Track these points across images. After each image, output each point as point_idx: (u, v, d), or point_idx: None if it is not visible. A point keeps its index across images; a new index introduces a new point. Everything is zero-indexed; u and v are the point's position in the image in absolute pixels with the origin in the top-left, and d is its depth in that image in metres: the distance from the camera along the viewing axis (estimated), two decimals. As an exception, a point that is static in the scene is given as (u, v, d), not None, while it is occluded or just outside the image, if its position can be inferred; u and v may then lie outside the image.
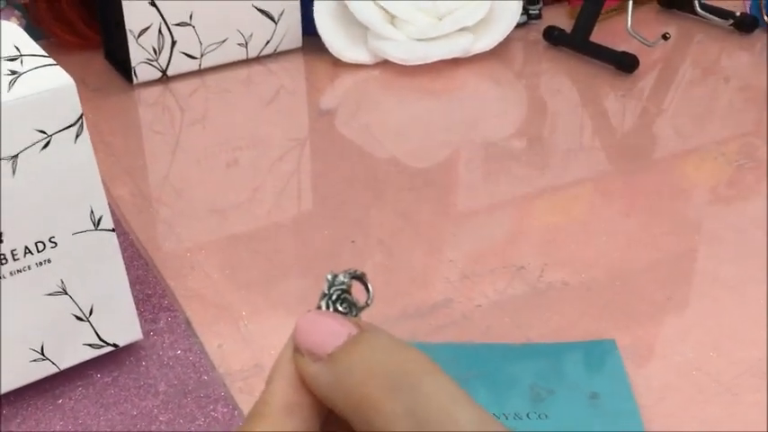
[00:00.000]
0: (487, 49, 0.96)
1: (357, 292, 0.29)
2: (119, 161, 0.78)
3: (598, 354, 0.55)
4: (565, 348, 0.55)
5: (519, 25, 1.00)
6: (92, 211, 0.50)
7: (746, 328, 0.58)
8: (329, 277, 0.29)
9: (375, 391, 0.25)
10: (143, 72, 0.89)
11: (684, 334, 0.58)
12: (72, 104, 0.47)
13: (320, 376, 0.26)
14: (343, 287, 0.28)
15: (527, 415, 0.50)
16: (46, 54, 0.48)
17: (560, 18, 1.04)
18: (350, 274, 0.29)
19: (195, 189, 0.74)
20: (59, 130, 0.47)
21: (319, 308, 0.28)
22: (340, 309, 0.28)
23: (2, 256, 0.47)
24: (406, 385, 0.25)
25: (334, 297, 0.28)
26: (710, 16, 1.03)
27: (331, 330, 0.26)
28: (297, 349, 0.27)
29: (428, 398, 0.24)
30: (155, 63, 0.90)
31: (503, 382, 0.52)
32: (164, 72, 0.91)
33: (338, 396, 0.26)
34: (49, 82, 0.46)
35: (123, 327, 0.54)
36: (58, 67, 0.47)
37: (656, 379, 0.54)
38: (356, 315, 0.29)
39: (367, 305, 0.29)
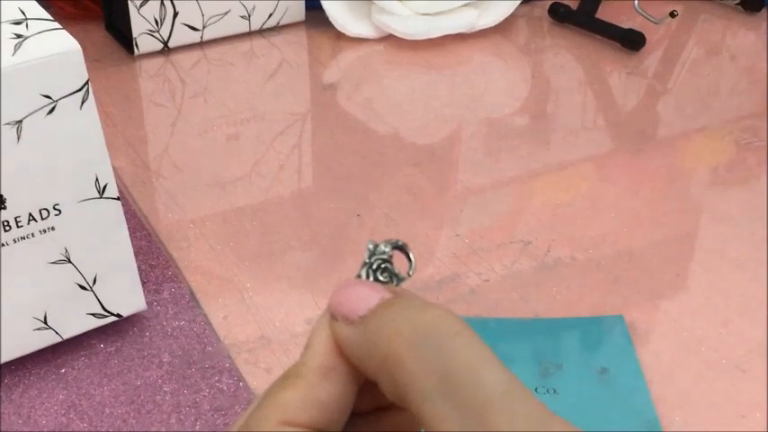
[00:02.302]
0: (492, 25, 0.95)
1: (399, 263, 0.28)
2: (119, 132, 0.77)
3: (606, 329, 0.55)
4: (573, 324, 0.55)
5: (524, 1, 0.99)
6: (97, 179, 0.49)
7: (755, 305, 0.58)
8: (370, 246, 0.28)
9: (400, 348, 0.24)
10: (144, 43, 0.88)
11: (692, 311, 0.57)
12: (78, 70, 0.46)
13: (352, 338, 0.26)
14: (384, 257, 0.28)
15: (536, 389, 0.50)
16: (52, 18, 0.47)
17: (565, -5, 1.03)
18: (391, 243, 0.28)
19: (197, 161, 0.73)
20: (65, 96, 0.46)
21: (359, 276, 0.28)
22: (381, 278, 0.28)
23: (5, 223, 0.47)
24: (433, 343, 0.24)
25: (374, 266, 0.28)
26: (716, -5, 1.03)
27: (364, 296, 0.26)
28: (333, 315, 0.27)
29: (454, 356, 0.24)
30: (156, 34, 0.89)
31: (511, 356, 0.52)
32: (165, 44, 0.90)
33: (367, 356, 0.25)
34: (55, 46, 0.45)
35: (127, 297, 0.53)
36: (63, 31, 0.47)
37: (664, 355, 0.54)
38: (397, 285, 0.28)
39: (409, 275, 0.28)
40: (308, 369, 0.26)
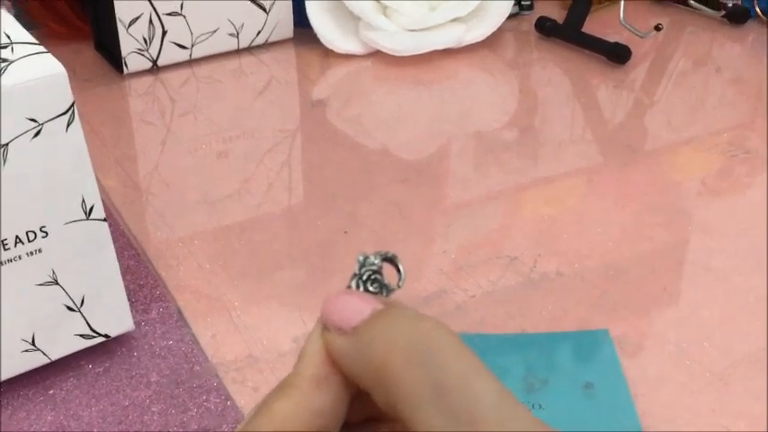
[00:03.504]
0: (480, 40, 0.96)
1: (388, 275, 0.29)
2: (109, 151, 0.77)
3: (591, 344, 0.55)
4: (558, 338, 0.55)
5: (511, 16, 0.99)
6: (83, 201, 0.49)
7: (739, 318, 0.58)
8: (360, 258, 0.28)
9: (395, 360, 0.25)
10: (133, 62, 0.89)
11: (677, 324, 0.58)
12: (63, 93, 0.47)
13: (344, 349, 0.26)
14: (374, 268, 0.28)
15: (521, 405, 0.50)
16: (37, 42, 0.48)
17: (552, 9, 1.04)
18: (381, 255, 0.29)
19: (186, 180, 0.74)
20: (51, 119, 0.46)
21: (349, 287, 0.28)
22: (371, 289, 0.28)
23: (-8, 246, 0.47)
24: (426, 355, 0.24)
25: (364, 277, 0.28)
26: (702, 7, 1.03)
27: (356, 306, 0.27)
28: (325, 326, 0.27)
29: (447, 368, 0.24)
30: (145, 53, 0.89)
31: (496, 372, 0.52)
32: (154, 62, 0.90)
33: (361, 368, 0.26)
34: (40, 70, 0.46)
35: (115, 317, 0.54)
36: (49, 55, 0.47)
37: (649, 369, 0.54)
38: (387, 296, 0.28)
39: (398, 287, 0.29)
40: (302, 379, 0.27)
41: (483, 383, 0.24)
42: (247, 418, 0.27)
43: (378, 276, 0.28)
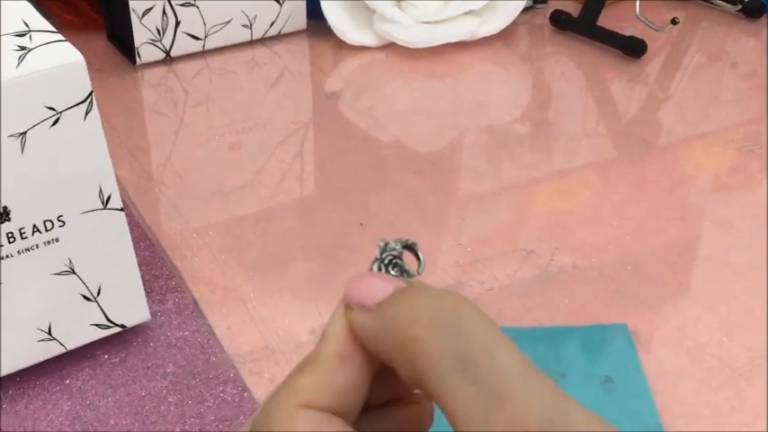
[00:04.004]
0: (494, 33, 0.95)
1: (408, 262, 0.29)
2: (122, 142, 0.77)
3: (609, 338, 0.55)
4: (576, 332, 0.55)
5: (525, 9, 0.99)
6: (100, 190, 0.49)
7: (758, 314, 0.58)
8: (381, 244, 0.29)
9: (419, 331, 0.25)
10: (146, 53, 0.89)
11: (696, 319, 0.57)
12: (82, 81, 0.46)
13: (368, 324, 0.26)
14: (395, 253, 0.28)
15: (539, 399, 0.50)
16: (55, 30, 0.48)
17: (567, 2, 1.03)
18: (401, 242, 0.29)
19: (199, 171, 0.73)
20: (69, 108, 0.46)
21: (371, 271, 0.28)
22: (392, 273, 0.28)
23: (9, 235, 0.47)
24: (452, 327, 0.25)
25: (386, 261, 0.28)
26: (718, 2, 1.03)
27: (379, 285, 0.27)
28: (348, 305, 0.27)
29: (472, 339, 0.24)
30: (158, 44, 0.89)
31: (514, 365, 0.52)
32: (167, 53, 0.90)
33: (384, 341, 0.26)
34: (58, 58, 0.46)
35: (131, 307, 0.53)
36: (67, 43, 0.47)
37: (667, 364, 0.54)
38: None
39: (418, 274, 0.29)
40: (325, 356, 0.27)
41: (507, 354, 0.24)
42: (269, 397, 0.27)
43: (398, 261, 0.29)
